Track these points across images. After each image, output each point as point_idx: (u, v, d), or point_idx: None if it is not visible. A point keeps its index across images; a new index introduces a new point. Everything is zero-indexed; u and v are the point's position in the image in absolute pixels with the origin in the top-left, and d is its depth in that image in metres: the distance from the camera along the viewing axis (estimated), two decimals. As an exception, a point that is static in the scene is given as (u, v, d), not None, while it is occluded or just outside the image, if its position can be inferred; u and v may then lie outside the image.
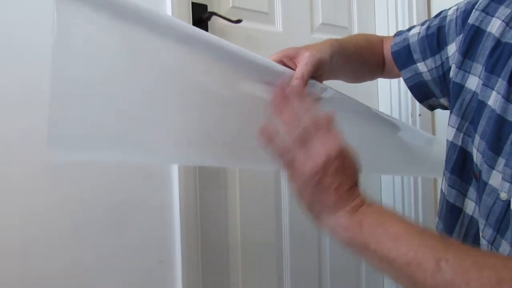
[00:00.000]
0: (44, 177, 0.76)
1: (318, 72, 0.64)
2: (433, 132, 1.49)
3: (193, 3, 0.98)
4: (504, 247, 0.56)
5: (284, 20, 1.22)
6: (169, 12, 0.91)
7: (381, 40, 0.84)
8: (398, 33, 0.80)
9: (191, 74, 0.54)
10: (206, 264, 0.99)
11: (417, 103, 1.43)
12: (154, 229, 0.91)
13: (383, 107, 1.46)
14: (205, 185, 1.01)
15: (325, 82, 0.70)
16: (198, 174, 0.97)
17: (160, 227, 0.91)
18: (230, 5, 1.10)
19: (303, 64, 0.61)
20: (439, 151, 0.85)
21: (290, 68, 0.63)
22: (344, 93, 0.73)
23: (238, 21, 1.04)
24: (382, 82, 1.48)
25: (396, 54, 0.78)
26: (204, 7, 1.04)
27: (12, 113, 0.74)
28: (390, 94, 1.47)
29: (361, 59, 0.78)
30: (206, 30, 1.03)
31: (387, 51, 0.81)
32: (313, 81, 0.64)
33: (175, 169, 0.92)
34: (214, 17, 1.03)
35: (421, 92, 0.78)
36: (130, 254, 0.87)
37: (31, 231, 0.76)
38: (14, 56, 0.74)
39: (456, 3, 0.73)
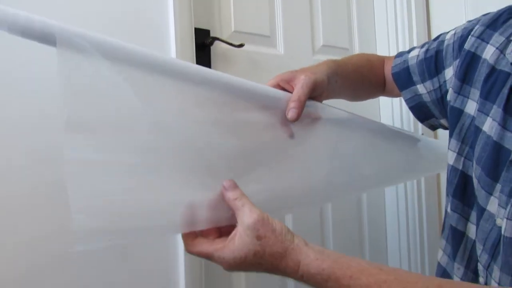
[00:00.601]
0: (45, 202, 0.76)
1: (315, 93, 0.66)
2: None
3: (196, 29, 0.99)
4: (496, 273, 0.56)
5: (286, 43, 1.24)
6: (172, 37, 0.93)
7: (382, 60, 0.85)
8: (399, 55, 0.82)
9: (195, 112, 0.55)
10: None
11: (419, 129, 1.46)
12: (158, 259, 0.90)
13: (385, 127, 1.47)
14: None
15: (326, 101, 0.72)
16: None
17: (164, 257, 0.91)
18: (232, 29, 1.12)
19: (299, 87, 0.63)
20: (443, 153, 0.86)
21: (288, 91, 0.65)
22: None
23: (241, 45, 1.06)
24: (384, 102, 1.49)
25: (396, 76, 0.80)
26: (207, 32, 1.05)
27: (14, 138, 0.75)
28: (392, 114, 1.48)
29: (360, 78, 0.80)
30: (209, 54, 1.05)
31: (388, 71, 0.82)
32: (311, 102, 0.66)
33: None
34: (216, 42, 1.05)
35: (422, 112, 0.79)
36: (134, 284, 0.86)
37: (34, 258, 0.76)
38: (17, 88, 0.76)
39: (454, 26, 0.75)
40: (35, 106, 0.76)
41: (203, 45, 1.03)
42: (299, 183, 0.67)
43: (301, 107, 0.61)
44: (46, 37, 0.43)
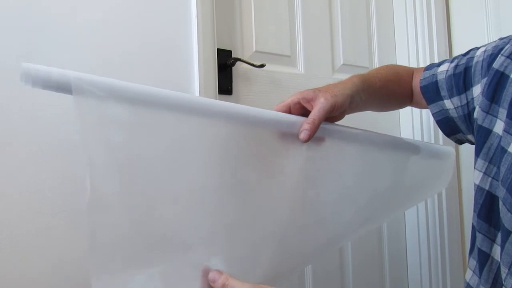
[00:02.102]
0: (69, 226, 0.78)
1: (333, 114, 0.67)
2: (457, 168, 1.48)
3: (218, 49, 1.01)
4: None
5: (306, 62, 1.25)
6: (195, 58, 0.95)
7: (411, 72, 0.85)
8: (428, 67, 0.82)
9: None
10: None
11: (440, 138, 1.45)
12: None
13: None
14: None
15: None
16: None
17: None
18: (254, 49, 1.14)
19: (316, 110, 0.64)
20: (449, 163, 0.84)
21: (307, 110, 0.66)
22: (366, 127, 0.74)
23: (262, 65, 1.07)
24: (404, 119, 1.48)
25: (424, 89, 0.80)
26: (229, 53, 1.07)
27: (38, 162, 0.77)
28: (412, 132, 1.47)
29: (387, 92, 0.80)
30: (231, 75, 1.07)
31: (416, 84, 0.82)
32: (327, 125, 0.67)
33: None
34: (238, 62, 1.07)
35: (448, 127, 0.79)
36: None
37: (57, 283, 0.77)
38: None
39: (475, 42, 0.74)
40: (62, 128, 0.78)
41: (225, 66, 1.05)
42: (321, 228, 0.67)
43: (314, 129, 0.63)
44: (63, 87, 0.46)
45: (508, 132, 0.61)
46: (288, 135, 0.63)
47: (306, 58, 1.25)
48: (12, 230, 0.74)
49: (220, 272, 0.56)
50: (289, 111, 0.66)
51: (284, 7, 1.22)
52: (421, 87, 0.80)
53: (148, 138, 0.51)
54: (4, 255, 0.73)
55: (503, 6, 1.35)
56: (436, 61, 1.41)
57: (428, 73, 0.80)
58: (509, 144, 0.60)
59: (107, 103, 0.47)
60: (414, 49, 1.46)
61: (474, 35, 1.41)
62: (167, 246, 0.53)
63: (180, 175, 0.53)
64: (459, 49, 1.46)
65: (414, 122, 1.47)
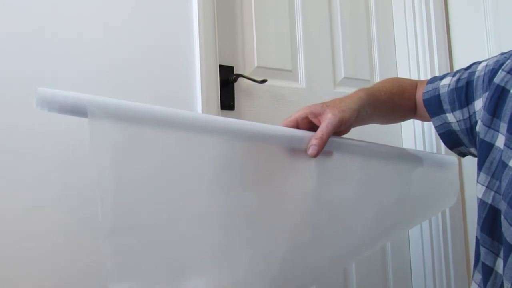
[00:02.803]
0: (77, 237, 0.78)
1: (340, 128, 0.67)
2: (460, 180, 1.47)
3: (220, 66, 1.02)
4: None
5: (307, 76, 1.26)
6: (198, 75, 0.95)
7: (415, 85, 0.85)
8: (431, 80, 0.82)
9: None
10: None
11: (442, 151, 1.44)
12: None
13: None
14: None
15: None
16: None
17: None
18: (256, 65, 1.15)
19: (324, 125, 0.64)
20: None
21: (315, 124, 0.66)
22: (368, 139, 0.75)
23: (264, 81, 1.08)
24: (406, 131, 1.48)
25: (427, 102, 0.80)
26: (231, 69, 1.08)
27: (47, 175, 0.78)
28: (414, 144, 1.47)
29: (392, 105, 0.80)
30: (233, 90, 1.08)
31: (420, 97, 0.83)
32: (335, 139, 0.67)
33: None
34: (240, 78, 1.08)
35: (451, 139, 0.79)
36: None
37: None
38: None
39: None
40: (67, 146, 0.79)
41: (227, 82, 1.06)
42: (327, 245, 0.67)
43: (323, 145, 0.63)
44: (79, 111, 0.47)
45: (508, 147, 0.61)
46: (296, 150, 0.64)
47: (308, 73, 1.26)
48: (17, 247, 0.74)
49: None
50: (296, 126, 0.67)
51: (285, 22, 1.23)
52: (423, 100, 0.81)
53: (161, 158, 0.51)
54: (10, 271, 0.73)
55: (503, 16, 1.36)
56: (437, 72, 1.42)
57: (430, 87, 0.81)
58: (510, 159, 0.61)
59: (121, 125, 0.48)
60: (414, 60, 1.47)
61: (474, 45, 1.41)
62: (167, 268, 0.53)
63: (186, 194, 0.53)
64: (459, 63, 1.47)
65: (416, 134, 1.47)
